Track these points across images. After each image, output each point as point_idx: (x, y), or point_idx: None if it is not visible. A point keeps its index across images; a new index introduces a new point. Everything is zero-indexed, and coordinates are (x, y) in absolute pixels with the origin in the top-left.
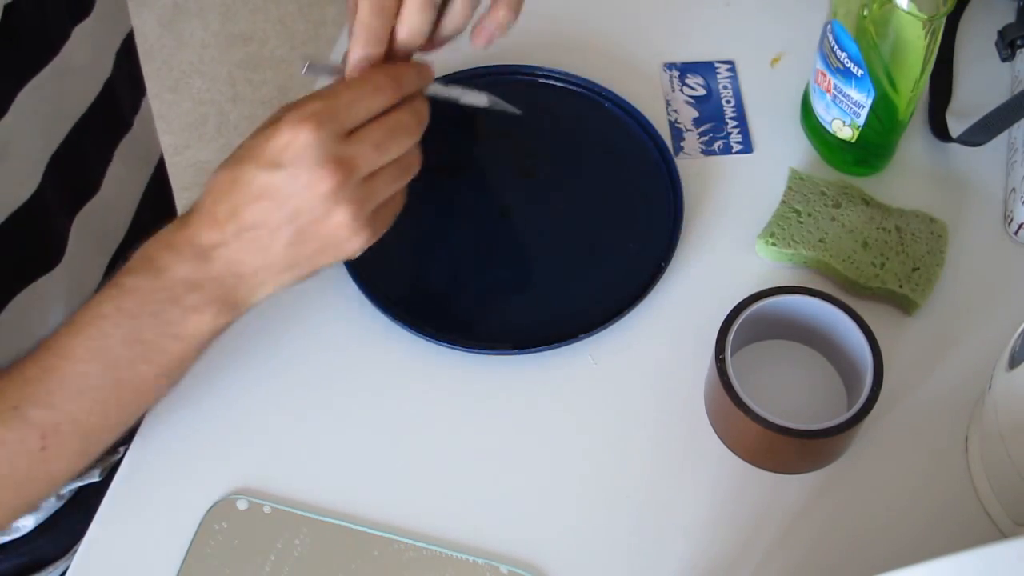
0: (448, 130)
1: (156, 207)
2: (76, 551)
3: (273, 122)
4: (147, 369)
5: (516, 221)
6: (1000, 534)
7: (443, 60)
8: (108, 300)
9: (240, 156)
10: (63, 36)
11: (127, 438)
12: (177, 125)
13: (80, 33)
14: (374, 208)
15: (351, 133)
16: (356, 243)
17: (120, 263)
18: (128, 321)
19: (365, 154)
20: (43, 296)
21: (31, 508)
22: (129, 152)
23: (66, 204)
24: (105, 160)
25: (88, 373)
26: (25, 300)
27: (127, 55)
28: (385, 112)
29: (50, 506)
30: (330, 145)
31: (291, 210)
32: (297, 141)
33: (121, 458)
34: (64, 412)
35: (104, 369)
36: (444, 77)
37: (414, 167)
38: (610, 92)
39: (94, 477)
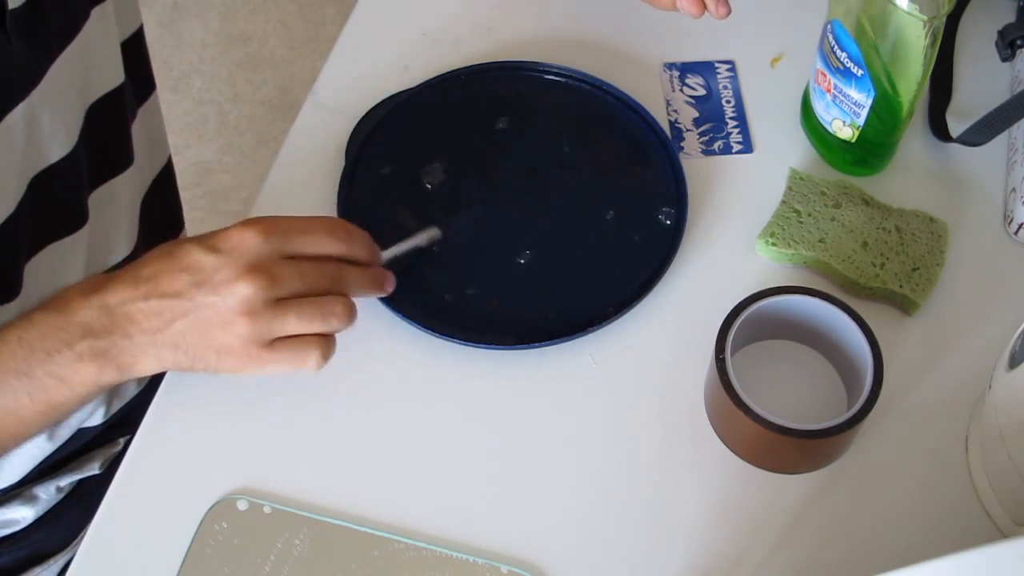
0: (453, 127)
1: (162, 201)
2: (76, 545)
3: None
4: (29, 403)
5: (517, 217)
6: (1000, 534)
7: (448, 58)
8: (14, 329)
9: (189, 237)
10: (85, 15)
11: (127, 429)
12: (177, 125)
13: (97, 15)
14: (275, 337)
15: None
16: (241, 361)
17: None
18: (24, 352)
19: (290, 276)
20: (67, 256)
21: None
22: (141, 139)
23: (94, 172)
24: (127, 141)
25: None
26: (55, 251)
27: (135, 48)
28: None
29: (50, 499)
30: (266, 256)
31: (202, 294)
32: (239, 238)
33: (121, 450)
34: None
35: None
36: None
37: (334, 318)
38: (614, 88)
39: (94, 470)
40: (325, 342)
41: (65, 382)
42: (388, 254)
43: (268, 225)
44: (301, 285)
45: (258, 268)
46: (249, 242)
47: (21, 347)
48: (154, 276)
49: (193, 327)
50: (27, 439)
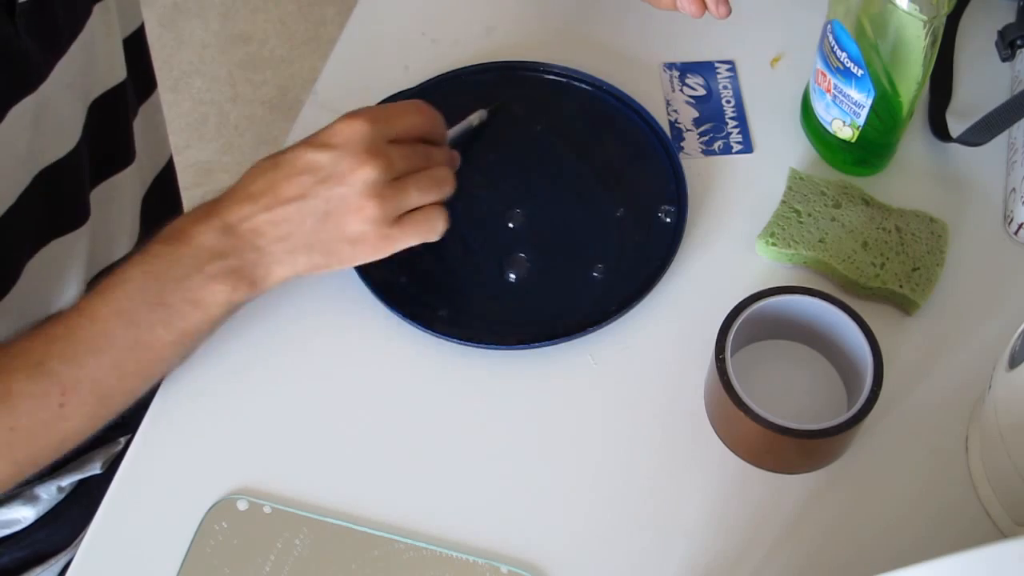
0: (452, 127)
1: (163, 200)
2: (77, 545)
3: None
4: (164, 333)
5: (518, 217)
6: (1000, 534)
7: (448, 58)
8: (136, 265)
9: (286, 148)
10: (87, 12)
11: (128, 429)
12: (177, 125)
13: (100, 11)
14: (400, 213)
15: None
16: (375, 244)
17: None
18: (153, 283)
19: (399, 157)
20: (68, 252)
21: (35, 468)
22: (142, 137)
23: (96, 169)
24: (128, 138)
25: (110, 333)
26: (57, 247)
27: (136, 46)
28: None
29: (51, 498)
30: (378, 139)
31: (328, 188)
32: (350, 129)
33: (122, 449)
34: (85, 370)
35: (125, 329)
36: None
37: (445, 185)
38: (614, 88)
39: (95, 470)
40: (443, 209)
41: (199, 305)
42: (456, 131)
43: (371, 114)
44: (409, 163)
45: (374, 152)
46: (360, 131)
47: (148, 279)
48: (270, 187)
49: (326, 222)
50: (159, 377)
